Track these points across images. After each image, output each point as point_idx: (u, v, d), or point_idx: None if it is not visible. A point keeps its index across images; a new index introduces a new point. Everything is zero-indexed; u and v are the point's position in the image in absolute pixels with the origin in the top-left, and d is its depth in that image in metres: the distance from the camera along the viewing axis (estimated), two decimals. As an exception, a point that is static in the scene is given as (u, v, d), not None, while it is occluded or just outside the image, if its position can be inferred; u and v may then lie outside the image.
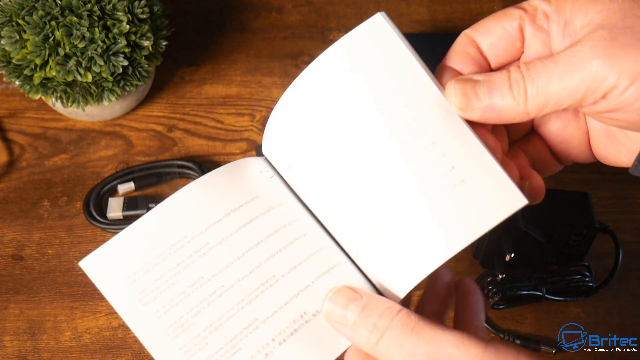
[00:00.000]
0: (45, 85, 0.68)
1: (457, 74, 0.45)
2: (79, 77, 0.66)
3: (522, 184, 0.42)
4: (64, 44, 0.65)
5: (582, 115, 0.47)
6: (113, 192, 0.73)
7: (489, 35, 0.44)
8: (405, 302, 0.47)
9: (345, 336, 0.42)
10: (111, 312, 0.67)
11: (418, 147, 0.43)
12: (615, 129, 0.45)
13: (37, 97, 0.68)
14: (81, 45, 0.65)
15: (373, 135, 0.44)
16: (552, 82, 0.40)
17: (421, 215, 0.42)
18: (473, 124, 0.43)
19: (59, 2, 0.65)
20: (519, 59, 0.45)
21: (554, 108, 0.41)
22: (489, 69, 0.46)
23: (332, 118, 0.45)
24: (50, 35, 0.65)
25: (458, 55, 0.45)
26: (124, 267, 0.46)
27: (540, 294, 0.65)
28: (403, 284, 0.43)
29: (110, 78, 0.68)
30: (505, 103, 0.41)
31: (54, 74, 0.66)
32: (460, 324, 0.46)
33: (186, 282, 0.45)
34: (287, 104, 0.47)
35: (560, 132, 0.47)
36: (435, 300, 0.47)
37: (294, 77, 0.79)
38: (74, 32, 0.65)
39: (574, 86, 0.39)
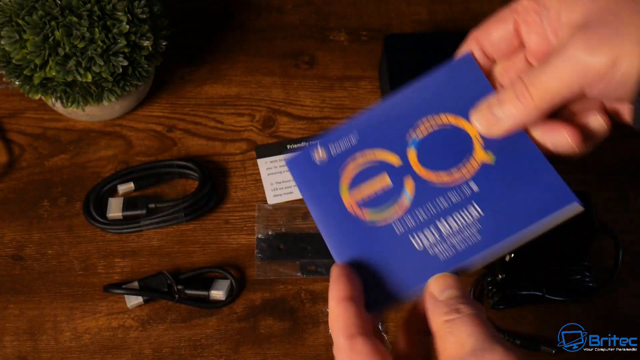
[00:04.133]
0: (45, 85, 0.68)
1: None
2: (78, 77, 0.66)
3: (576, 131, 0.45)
4: (63, 44, 0.65)
5: None
6: (113, 192, 0.73)
7: (488, 37, 0.48)
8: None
9: None
10: (111, 312, 0.67)
11: None
12: None
13: (37, 97, 0.68)
14: (81, 45, 0.65)
15: None
16: (548, 80, 0.43)
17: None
18: None
19: (59, 2, 0.65)
20: (523, 48, 0.48)
21: (561, 101, 0.44)
22: (492, 64, 0.49)
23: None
24: (50, 35, 0.65)
25: None
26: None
27: (540, 294, 0.64)
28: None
29: (110, 78, 0.68)
30: (519, 111, 0.45)
31: (53, 74, 0.66)
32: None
33: None
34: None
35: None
36: None
37: (293, 76, 0.80)
38: (74, 32, 0.65)
39: (568, 79, 0.42)
